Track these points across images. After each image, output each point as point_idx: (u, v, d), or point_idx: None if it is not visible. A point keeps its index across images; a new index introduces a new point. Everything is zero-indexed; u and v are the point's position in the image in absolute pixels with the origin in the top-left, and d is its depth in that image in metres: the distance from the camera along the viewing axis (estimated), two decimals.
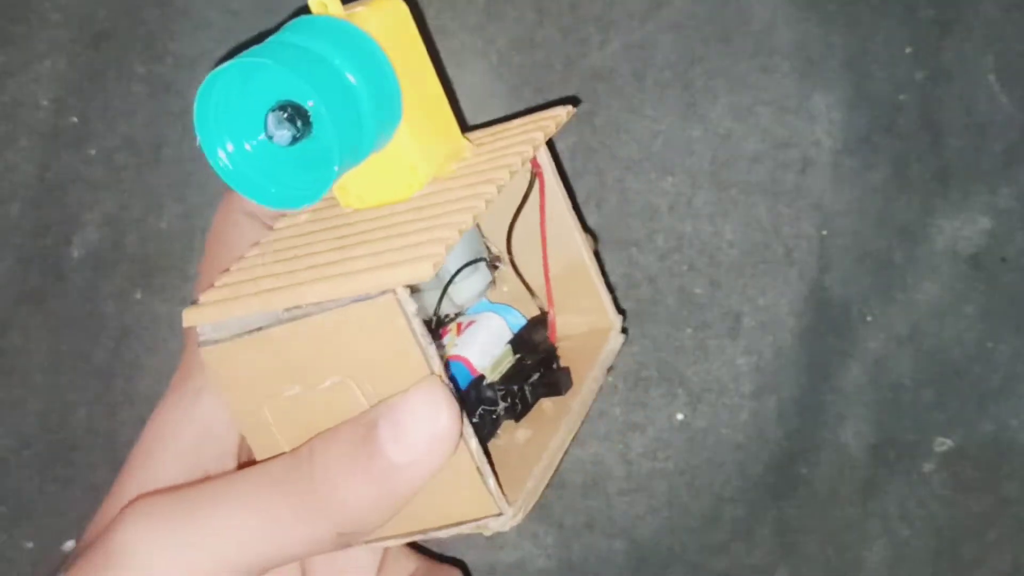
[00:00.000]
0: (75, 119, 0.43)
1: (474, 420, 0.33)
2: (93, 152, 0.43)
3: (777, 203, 0.44)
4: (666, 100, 0.44)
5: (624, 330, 0.37)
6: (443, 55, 0.43)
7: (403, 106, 0.32)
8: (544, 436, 0.33)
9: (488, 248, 0.37)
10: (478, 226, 0.37)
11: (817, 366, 0.45)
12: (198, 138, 0.30)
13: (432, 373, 0.28)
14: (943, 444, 0.46)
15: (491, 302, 0.37)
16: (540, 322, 0.36)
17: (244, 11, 0.43)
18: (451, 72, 0.43)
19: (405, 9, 0.33)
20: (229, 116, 0.30)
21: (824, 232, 0.44)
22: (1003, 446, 0.45)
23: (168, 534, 0.29)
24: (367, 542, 0.31)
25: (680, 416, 0.45)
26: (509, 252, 0.37)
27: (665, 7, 0.43)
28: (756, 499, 0.45)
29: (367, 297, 0.28)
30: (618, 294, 0.44)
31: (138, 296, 0.44)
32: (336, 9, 0.32)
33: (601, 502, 0.45)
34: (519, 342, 0.35)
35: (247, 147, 0.30)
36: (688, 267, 0.44)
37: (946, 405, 0.45)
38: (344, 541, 0.29)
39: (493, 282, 0.36)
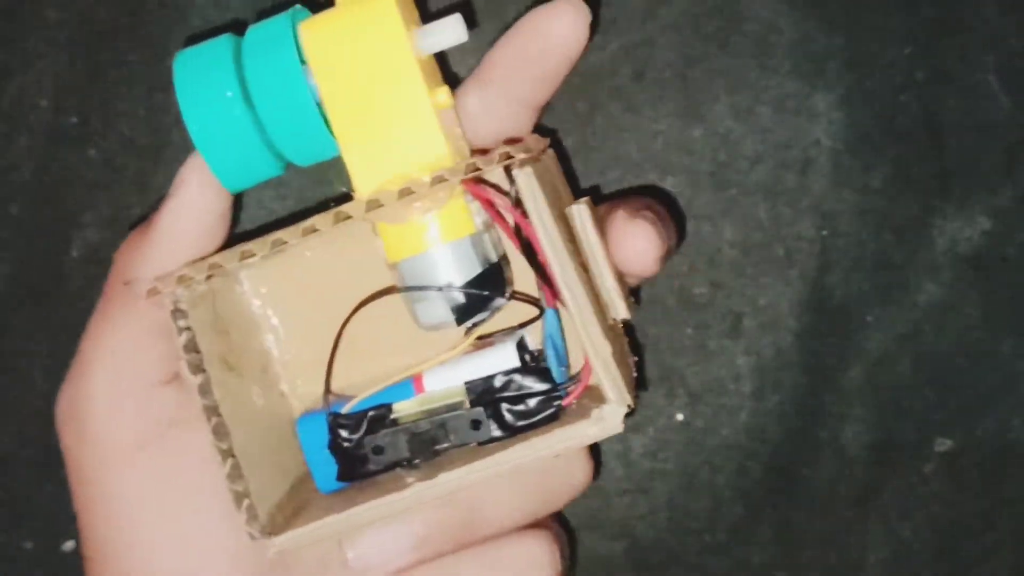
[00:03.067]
0: (75, 119, 0.43)
1: (348, 443, 0.33)
2: (93, 152, 0.43)
3: (777, 203, 0.44)
4: (666, 100, 0.44)
5: (631, 412, 0.31)
6: (443, 56, 0.43)
7: (350, 118, 0.32)
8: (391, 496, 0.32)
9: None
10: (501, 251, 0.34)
11: (817, 366, 0.45)
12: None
13: None
14: (943, 444, 0.46)
15: (551, 336, 0.34)
16: (541, 374, 0.33)
17: (243, 11, 0.43)
18: (451, 73, 0.43)
19: (392, 18, 0.32)
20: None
21: (824, 232, 0.44)
22: (1003, 446, 0.45)
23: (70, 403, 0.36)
24: None
25: (680, 416, 0.45)
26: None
27: (665, 7, 0.43)
28: (756, 499, 0.45)
29: None
30: None
31: None
32: None
33: (601, 502, 0.45)
34: (475, 387, 0.33)
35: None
36: (688, 267, 0.44)
37: (946, 405, 0.45)
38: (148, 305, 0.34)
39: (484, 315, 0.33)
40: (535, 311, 0.35)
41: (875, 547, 0.46)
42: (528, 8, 0.35)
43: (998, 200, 0.44)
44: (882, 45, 0.44)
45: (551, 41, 0.34)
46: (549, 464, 0.33)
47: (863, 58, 0.44)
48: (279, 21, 0.33)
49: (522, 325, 0.35)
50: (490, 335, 0.35)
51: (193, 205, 0.34)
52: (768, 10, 0.43)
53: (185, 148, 0.43)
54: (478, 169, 0.31)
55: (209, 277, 0.33)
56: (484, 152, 0.32)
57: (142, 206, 0.43)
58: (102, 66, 0.43)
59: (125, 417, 0.34)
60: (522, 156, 0.31)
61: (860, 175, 0.44)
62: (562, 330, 0.34)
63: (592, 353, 0.31)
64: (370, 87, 0.32)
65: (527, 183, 0.31)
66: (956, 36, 0.44)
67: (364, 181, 0.32)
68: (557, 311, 0.34)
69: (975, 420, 0.45)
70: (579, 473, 0.36)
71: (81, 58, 0.43)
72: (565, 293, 0.31)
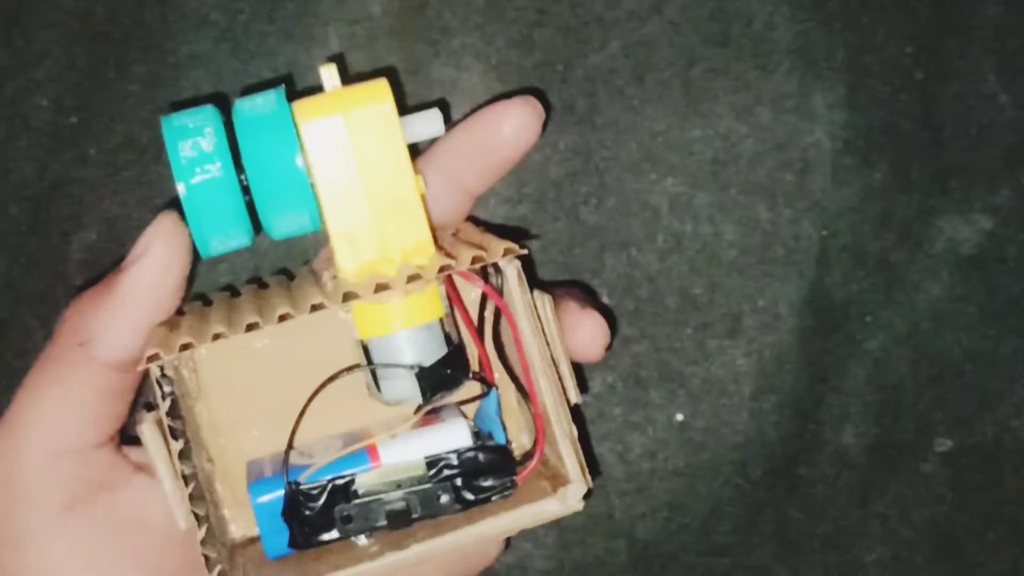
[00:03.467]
0: (75, 119, 0.43)
1: (308, 512, 0.34)
2: (93, 152, 0.43)
3: (777, 203, 0.44)
4: (666, 100, 0.44)
5: (588, 493, 0.34)
6: (443, 55, 0.43)
7: (339, 199, 0.33)
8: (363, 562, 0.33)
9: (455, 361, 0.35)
10: (457, 331, 0.36)
11: (817, 366, 0.45)
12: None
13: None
14: (943, 444, 0.46)
15: (493, 414, 0.36)
16: (496, 452, 0.35)
17: (243, 10, 0.43)
18: (451, 72, 0.43)
19: (383, 96, 0.33)
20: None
21: (824, 232, 0.44)
22: (1003, 446, 0.45)
23: None
24: None
25: (680, 416, 0.45)
26: (508, 370, 0.36)
27: (665, 7, 0.43)
28: (756, 499, 0.45)
29: None
30: (618, 294, 0.44)
31: None
32: (330, 83, 0.34)
33: (601, 502, 0.45)
34: (434, 462, 0.35)
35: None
36: (688, 267, 0.44)
37: (946, 405, 0.45)
38: (116, 369, 0.34)
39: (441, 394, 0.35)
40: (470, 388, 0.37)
41: (875, 547, 0.46)
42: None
43: (998, 200, 0.44)
44: (882, 45, 0.44)
45: (502, 137, 0.36)
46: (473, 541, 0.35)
47: (863, 58, 0.44)
48: (275, 98, 0.34)
49: (468, 401, 0.37)
50: (435, 409, 0.36)
51: (157, 271, 0.35)
52: (768, 10, 0.43)
53: None
54: (481, 260, 0.33)
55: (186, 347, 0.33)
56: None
57: (142, 206, 0.43)
58: (102, 66, 0.43)
59: (58, 477, 0.34)
60: (518, 251, 0.34)
61: (860, 175, 0.44)
62: (499, 409, 0.36)
63: (560, 435, 0.34)
64: (361, 171, 0.33)
65: (515, 275, 0.33)
66: (956, 36, 0.44)
67: (348, 260, 0.33)
68: (498, 391, 0.36)
69: (975, 420, 0.45)
70: (494, 549, 0.38)
71: (81, 58, 0.43)
72: (539, 378, 0.34)
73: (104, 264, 0.43)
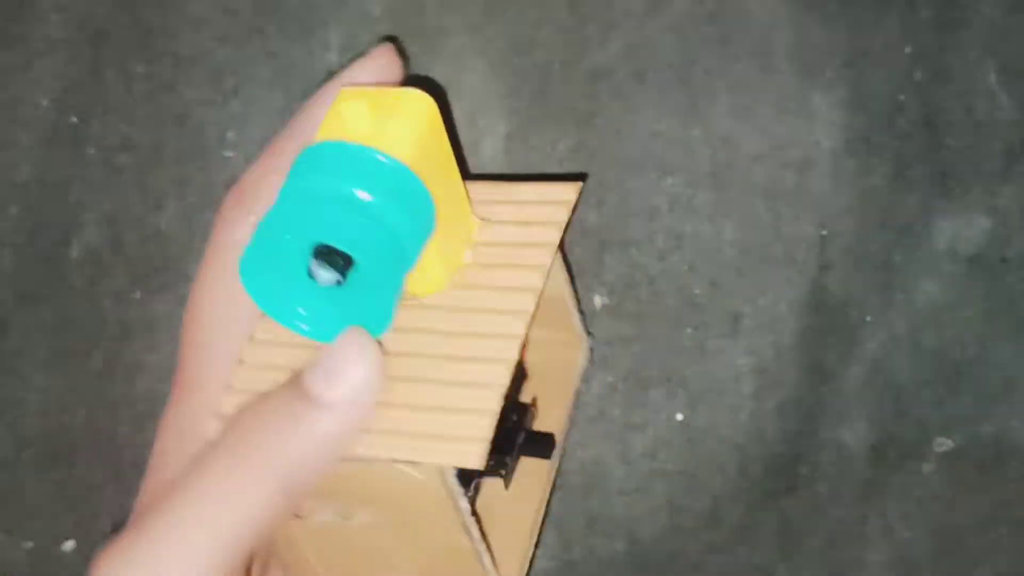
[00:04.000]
0: (75, 119, 0.43)
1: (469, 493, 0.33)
2: (93, 152, 0.43)
3: (777, 203, 0.44)
4: (666, 100, 0.44)
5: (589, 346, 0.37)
6: (443, 55, 0.43)
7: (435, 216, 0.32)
8: (525, 491, 0.34)
9: None
10: None
11: (817, 366, 0.45)
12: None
13: (474, 548, 0.31)
14: (943, 444, 0.46)
15: None
16: None
17: (243, 10, 0.43)
18: (451, 72, 0.43)
19: (433, 108, 0.31)
20: (277, 266, 0.30)
21: (824, 232, 0.44)
22: (1003, 446, 0.45)
23: (135, 570, 0.29)
24: None
25: (680, 416, 0.45)
26: None
27: (665, 7, 0.43)
28: (756, 499, 0.45)
29: (412, 463, 0.29)
30: (618, 294, 0.44)
31: (138, 296, 0.44)
32: (365, 108, 0.31)
33: (601, 502, 0.45)
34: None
35: (292, 287, 0.31)
36: (688, 267, 0.44)
37: (946, 405, 0.45)
38: (293, 501, 0.31)
39: None
40: None
41: (875, 547, 0.46)
42: None
43: (998, 200, 0.44)
44: (882, 45, 0.44)
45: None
46: None
47: (863, 58, 0.44)
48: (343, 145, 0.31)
49: None
50: None
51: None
52: (768, 10, 0.43)
53: (183, 149, 0.43)
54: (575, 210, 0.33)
55: None
56: None
57: (142, 206, 0.43)
58: (102, 66, 0.43)
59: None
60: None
61: (860, 175, 0.44)
62: None
63: (572, 309, 0.36)
64: (433, 174, 0.32)
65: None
66: (956, 36, 0.44)
67: (444, 263, 0.32)
68: None
69: (975, 420, 0.45)
70: None
71: (81, 58, 0.43)
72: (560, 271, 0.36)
73: (104, 264, 0.43)
